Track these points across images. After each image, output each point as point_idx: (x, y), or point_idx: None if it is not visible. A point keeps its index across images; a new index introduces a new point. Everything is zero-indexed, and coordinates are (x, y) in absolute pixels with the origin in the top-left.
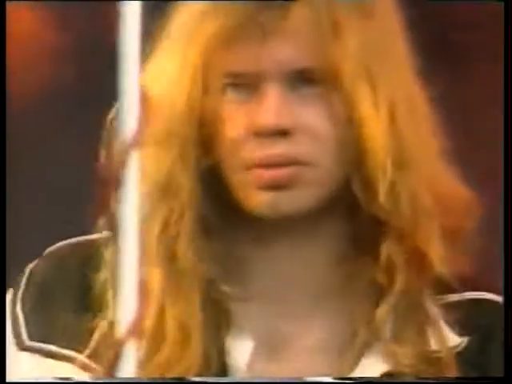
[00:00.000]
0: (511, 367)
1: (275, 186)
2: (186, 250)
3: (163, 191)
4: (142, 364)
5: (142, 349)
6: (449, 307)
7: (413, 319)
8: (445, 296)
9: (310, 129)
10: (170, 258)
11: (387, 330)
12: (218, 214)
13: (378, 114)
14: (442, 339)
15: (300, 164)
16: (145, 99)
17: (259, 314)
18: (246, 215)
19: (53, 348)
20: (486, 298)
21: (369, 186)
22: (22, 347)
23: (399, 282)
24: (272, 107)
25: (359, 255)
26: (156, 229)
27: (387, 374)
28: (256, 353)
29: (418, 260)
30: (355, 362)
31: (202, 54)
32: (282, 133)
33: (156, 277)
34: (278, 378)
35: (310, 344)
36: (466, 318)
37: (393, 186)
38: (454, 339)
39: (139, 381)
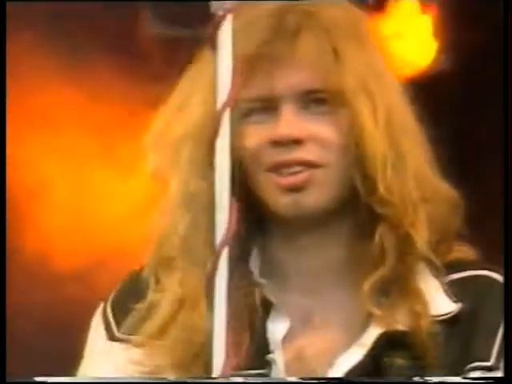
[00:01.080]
0: (511, 367)
1: (295, 189)
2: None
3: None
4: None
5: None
6: (452, 283)
7: (402, 291)
8: (450, 275)
9: (320, 138)
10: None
11: (382, 299)
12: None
13: (377, 121)
14: (432, 306)
15: (312, 167)
16: None
17: (293, 299)
18: (270, 216)
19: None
20: (485, 274)
21: (369, 182)
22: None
23: (388, 260)
24: (287, 121)
25: (359, 240)
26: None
27: (384, 334)
28: (291, 330)
29: (406, 243)
30: (362, 330)
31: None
32: (296, 142)
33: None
34: (276, 378)
35: (331, 319)
36: (463, 289)
37: (390, 182)
38: (450, 305)
39: (140, 381)
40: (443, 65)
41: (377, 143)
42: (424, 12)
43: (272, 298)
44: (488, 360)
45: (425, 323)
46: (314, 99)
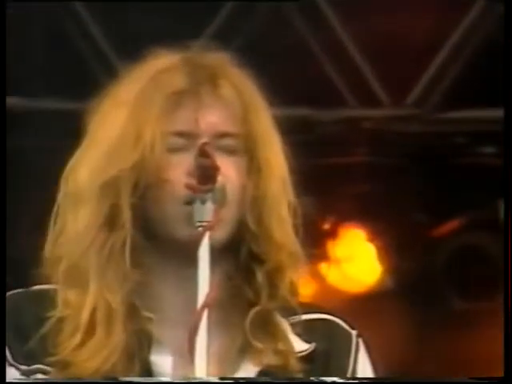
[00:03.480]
0: (511, 367)
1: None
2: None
3: (108, 220)
4: (79, 347)
5: (79, 336)
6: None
7: (268, 330)
8: (291, 317)
9: (225, 175)
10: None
11: (253, 337)
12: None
13: (272, 167)
14: (291, 345)
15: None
16: None
17: (174, 333)
18: (168, 248)
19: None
20: (327, 318)
21: (260, 221)
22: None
23: (263, 301)
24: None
25: (235, 278)
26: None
27: (262, 373)
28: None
29: (274, 286)
30: (237, 363)
31: (153, 114)
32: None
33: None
34: (276, 378)
35: (211, 351)
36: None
37: (285, 226)
38: (303, 345)
39: (137, 380)
40: (387, 284)
41: (272, 186)
42: (368, 240)
43: (155, 333)
44: None
45: (292, 360)
46: (226, 141)
